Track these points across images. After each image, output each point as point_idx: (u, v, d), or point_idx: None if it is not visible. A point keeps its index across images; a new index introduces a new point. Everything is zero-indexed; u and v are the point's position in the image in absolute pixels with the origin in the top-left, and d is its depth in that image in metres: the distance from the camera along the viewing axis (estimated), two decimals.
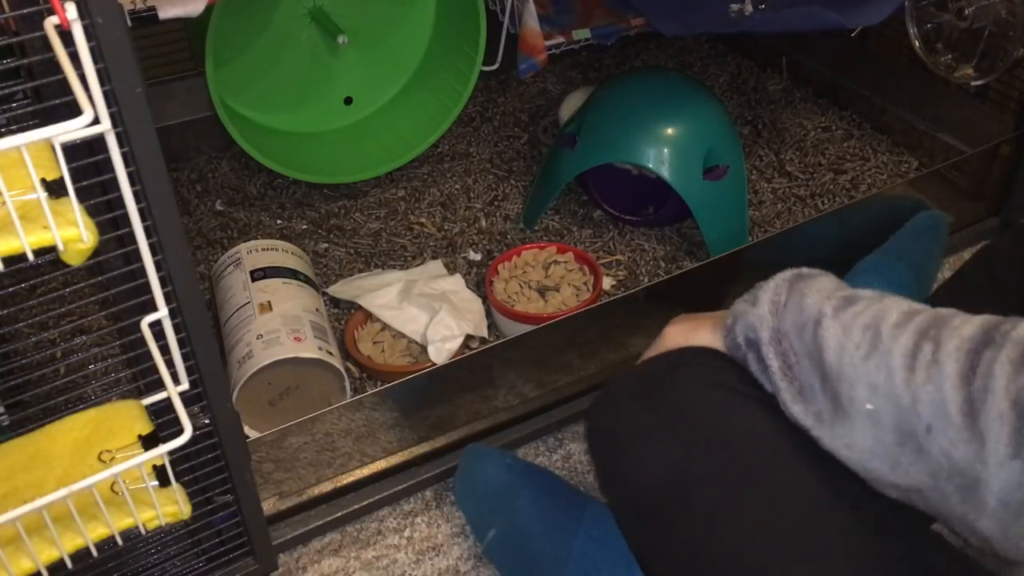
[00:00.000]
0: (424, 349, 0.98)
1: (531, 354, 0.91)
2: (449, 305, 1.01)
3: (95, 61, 0.47)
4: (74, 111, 0.46)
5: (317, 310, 0.99)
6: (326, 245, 1.20)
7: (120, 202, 0.53)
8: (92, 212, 0.52)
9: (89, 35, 0.47)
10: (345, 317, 1.07)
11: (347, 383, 0.94)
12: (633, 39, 1.57)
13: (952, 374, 0.50)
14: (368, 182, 1.30)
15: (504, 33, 1.26)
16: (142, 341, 0.59)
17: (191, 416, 0.63)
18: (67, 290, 0.87)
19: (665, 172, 1.08)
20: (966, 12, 1.08)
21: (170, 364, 0.61)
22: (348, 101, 1.35)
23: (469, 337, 1.00)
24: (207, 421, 0.67)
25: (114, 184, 0.52)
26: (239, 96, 1.27)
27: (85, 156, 0.53)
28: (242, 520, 0.75)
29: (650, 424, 0.63)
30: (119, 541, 0.63)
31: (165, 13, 0.94)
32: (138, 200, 0.53)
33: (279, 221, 1.25)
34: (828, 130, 1.36)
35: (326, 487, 0.87)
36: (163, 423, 0.65)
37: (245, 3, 1.19)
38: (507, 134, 1.40)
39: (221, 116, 1.13)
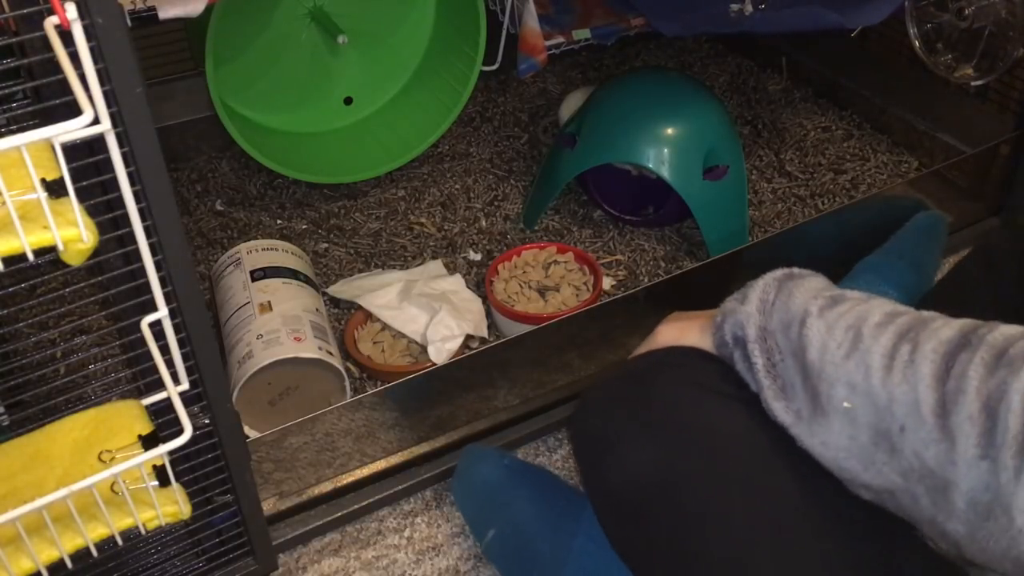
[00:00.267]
0: (424, 349, 0.98)
1: (531, 354, 0.91)
2: (449, 305, 1.01)
3: (95, 61, 0.47)
4: (74, 111, 0.46)
5: (317, 310, 0.99)
6: (326, 245, 1.20)
7: (120, 202, 0.53)
8: (92, 212, 0.52)
9: (89, 35, 0.47)
10: (345, 317, 1.07)
11: (347, 383, 0.94)
12: (633, 39, 1.57)
13: (927, 375, 0.51)
14: (368, 182, 1.30)
15: (504, 33, 1.26)
16: (142, 341, 0.59)
17: (191, 416, 0.63)
18: (67, 290, 0.87)
19: (665, 172, 1.08)
20: (966, 12, 1.08)
21: (170, 364, 0.61)
22: (348, 101, 1.35)
23: (469, 337, 1.00)
24: (207, 421, 0.67)
25: (114, 184, 0.52)
26: (239, 96, 1.27)
27: (85, 156, 0.53)
28: (242, 520, 0.75)
29: (631, 426, 0.64)
30: (119, 541, 0.63)
31: (165, 13, 0.94)
32: (138, 200, 0.53)
33: (279, 221, 1.25)
34: (828, 130, 1.36)
35: (326, 487, 0.87)
36: (163, 423, 0.65)
37: (245, 3, 1.19)
38: (507, 134, 1.40)
39: (221, 116, 1.13)
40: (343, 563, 0.84)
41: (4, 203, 0.48)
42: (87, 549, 0.62)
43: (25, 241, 0.48)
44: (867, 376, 0.53)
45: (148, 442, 0.62)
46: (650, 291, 0.95)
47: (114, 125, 0.49)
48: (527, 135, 1.40)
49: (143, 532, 0.64)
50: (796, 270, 0.64)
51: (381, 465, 0.89)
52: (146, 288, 0.57)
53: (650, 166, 1.08)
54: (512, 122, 1.43)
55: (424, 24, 1.34)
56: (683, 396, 0.63)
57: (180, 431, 0.59)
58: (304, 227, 1.23)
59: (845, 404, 0.54)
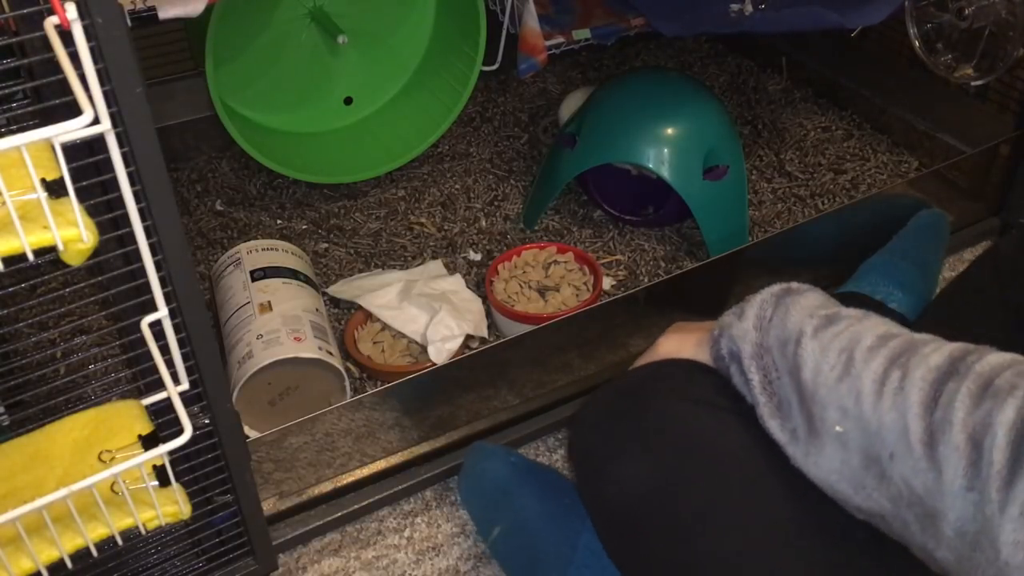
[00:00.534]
0: (424, 349, 0.98)
1: (531, 354, 0.91)
2: (449, 305, 1.01)
3: (95, 61, 0.47)
4: (74, 111, 0.46)
5: (317, 310, 0.99)
6: (326, 245, 1.20)
7: (120, 202, 0.53)
8: (92, 212, 0.52)
9: (89, 35, 0.47)
10: (345, 317, 1.07)
11: (347, 383, 0.94)
12: (633, 39, 1.57)
13: (916, 403, 0.51)
14: (368, 182, 1.30)
15: (504, 33, 1.26)
16: (142, 341, 0.59)
17: (191, 416, 0.63)
18: (67, 290, 0.87)
19: (665, 172, 1.08)
20: (966, 12, 1.08)
21: (170, 364, 0.61)
22: (348, 101, 1.35)
23: (469, 337, 1.00)
24: (207, 421, 0.67)
25: (114, 184, 0.52)
26: (239, 96, 1.27)
27: (85, 156, 0.53)
28: (242, 520, 0.75)
29: (626, 440, 0.64)
30: (119, 541, 0.63)
31: (165, 13, 0.94)
32: (138, 200, 0.53)
33: (279, 221, 1.25)
34: (828, 130, 1.36)
35: (326, 487, 0.87)
36: (163, 423, 0.65)
37: (245, 3, 1.19)
38: (507, 134, 1.40)
39: (221, 116, 1.13)
40: (343, 563, 0.84)
41: (4, 203, 0.48)
42: (87, 549, 0.62)
43: (25, 241, 0.48)
44: (858, 401, 0.53)
45: (148, 442, 0.62)
46: (650, 291, 0.95)
47: (114, 125, 0.49)
48: (527, 135, 1.40)
49: (143, 532, 0.64)
50: (794, 285, 0.64)
51: (381, 465, 0.89)
52: (146, 288, 0.57)
53: (650, 166, 1.08)
54: (512, 122, 1.43)
55: (424, 24, 1.34)
56: (677, 410, 0.64)
57: (180, 431, 0.59)
58: (304, 227, 1.23)
59: (837, 428, 0.54)
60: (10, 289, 0.63)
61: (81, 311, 0.99)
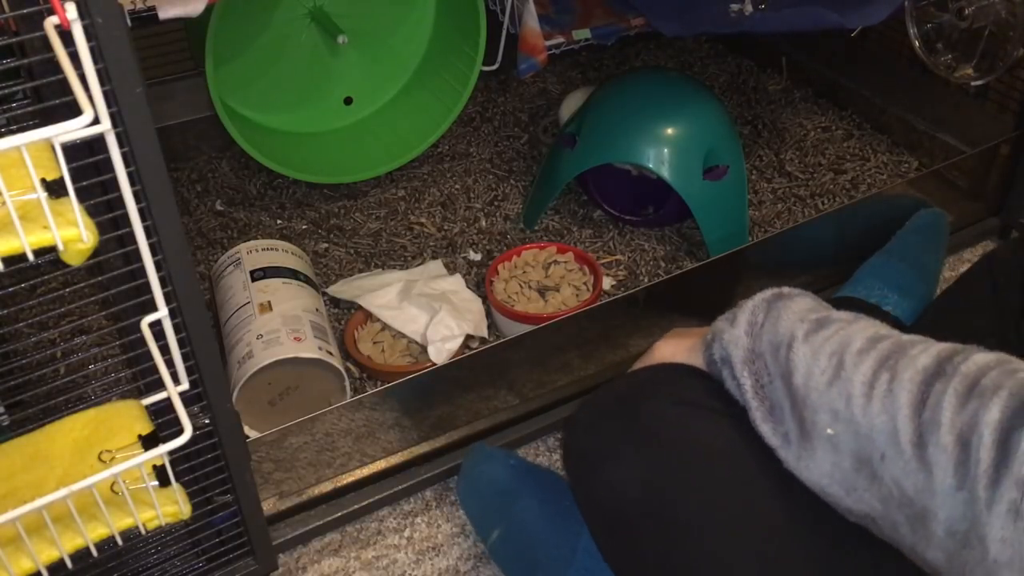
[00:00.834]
0: (424, 349, 0.98)
1: (531, 354, 0.91)
2: (449, 305, 1.01)
3: (95, 61, 0.47)
4: (74, 111, 0.46)
5: (317, 310, 0.99)
6: (326, 245, 1.20)
7: (120, 202, 0.53)
8: (92, 212, 0.52)
9: (89, 35, 0.47)
10: (345, 317, 1.07)
11: (347, 383, 0.94)
12: (633, 39, 1.57)
13: (905, 404, 0.51)
14: (368, 182, 1.30)
15: (504, 33, 1.26)
16: (142, 341, 0.59)
17: (191, 416, 0.63)
18: (67, 290, 0.87)
19: (665, 172, 1.08)
20: (966, 12, 1.07)
21: (170, 364, 0.61)
22: (348, 101, 1.35)
23: (469, 337, 1.00)
24: (207, 421, 0.67)
25: (114, 184, 0.52)
26: (239, 96, 1.27)
27: (85, 156, 0.53)
28: (242, 520, 0.75)
29: (619, 442, 0.65)
30: (119, 541, 0.63)
31: (165, 13, 0.94)
32: (138, 200, 0.53)
33: (279, 221, 1.25)
34: (828, 130, 1.36)
35: (326, 487, 0.87)
36: (163, 423, 0.65)
37: (245, 3, 1.19)
38: (507, 134, 1.40)
39: (221, 116, 1.13)
40: (343, 563, 0.84)
41: (4, 203, 0.48)
42: (87, 549, 0.62)
43: (25, 241, 0.48)
44: (848, 404, 0.54)
45: (148, 442, 0.62)
46: (650, 291, 0.95)
47: (114, 125, 0.49)
48: (527, 135, 1.40)
49: (143, 532, 0.64)
50: (786, 289, 0.65)
51: (381, 465, 0.89)
52: (146, 288, 0.57)
53: (650, 166, 1.08)
54: (512, 122, 1.43)
55: (424, 24, 1.34)
56: (671, 413, 0.64)
57: (180, 431, 0.59)
58: (304, 227, 1.23)
59: (828, 431, 0.55)
60: (10, 289, 0.63)
61: (81, 311, 0.99)
